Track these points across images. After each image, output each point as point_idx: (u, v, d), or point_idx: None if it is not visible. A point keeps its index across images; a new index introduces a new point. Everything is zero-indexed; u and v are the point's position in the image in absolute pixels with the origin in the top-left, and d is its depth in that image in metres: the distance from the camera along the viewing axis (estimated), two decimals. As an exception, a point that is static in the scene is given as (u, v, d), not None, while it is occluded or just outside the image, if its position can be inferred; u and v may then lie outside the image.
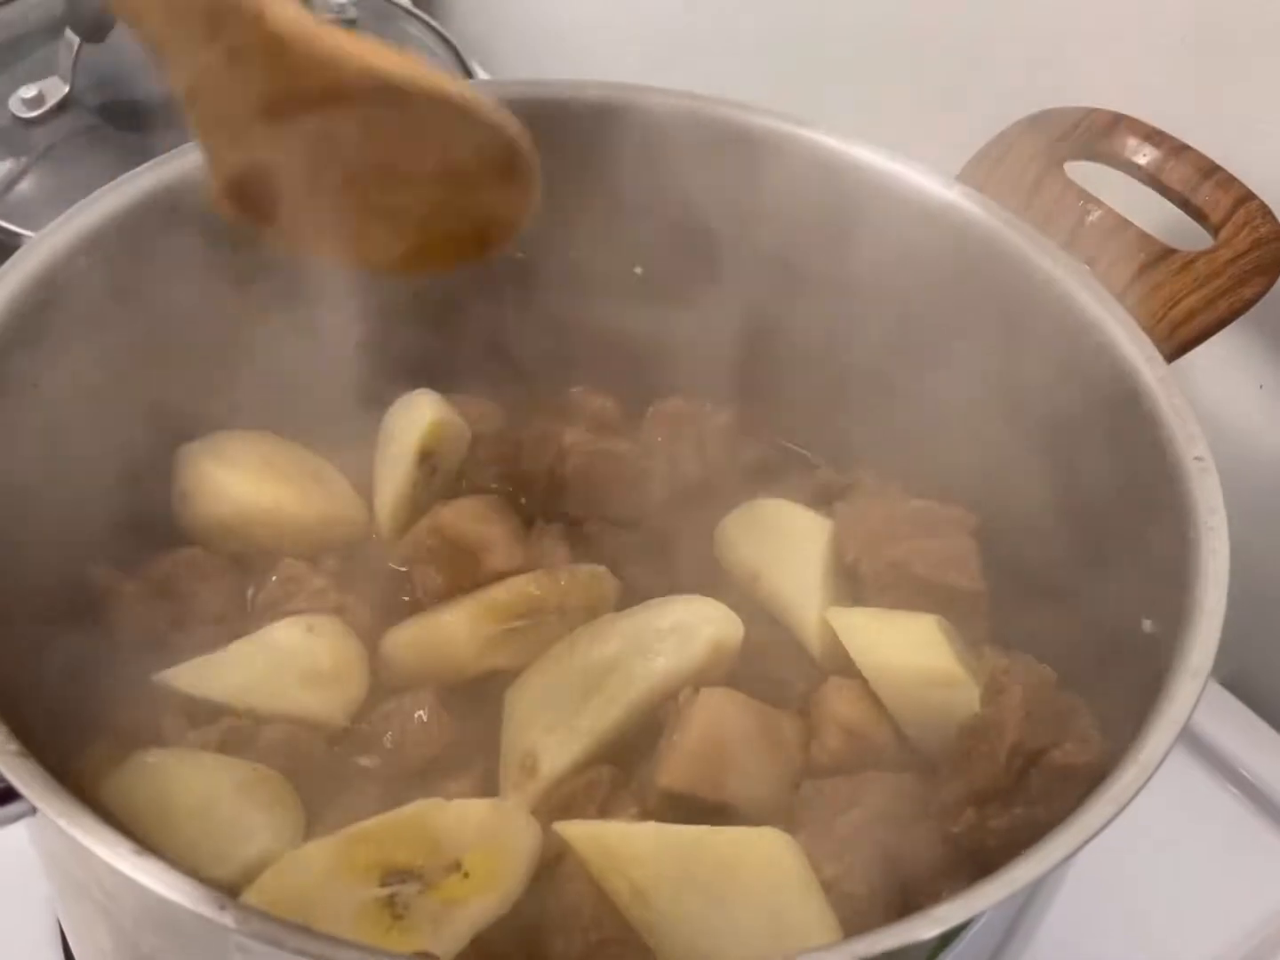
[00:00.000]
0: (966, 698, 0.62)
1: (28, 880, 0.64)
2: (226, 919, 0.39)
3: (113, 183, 0.63)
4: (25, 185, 0.89)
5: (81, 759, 0.57)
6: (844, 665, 0.66)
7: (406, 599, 0.71)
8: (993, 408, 0.68)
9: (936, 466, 0.72)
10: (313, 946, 0.38)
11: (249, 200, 0.48)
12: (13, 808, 0.46)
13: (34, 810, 0.45)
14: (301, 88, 0.43)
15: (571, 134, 0.72)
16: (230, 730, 0.60)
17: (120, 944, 0.49)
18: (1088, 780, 0.52)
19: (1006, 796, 0.57)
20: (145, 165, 0.65)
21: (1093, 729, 0.57)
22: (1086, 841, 0.46)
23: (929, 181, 0.68)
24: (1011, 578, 0.67)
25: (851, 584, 0.70)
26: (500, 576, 0.69)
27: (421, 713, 0.64)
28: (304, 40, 0.42)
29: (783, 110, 0.72)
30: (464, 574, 0.69)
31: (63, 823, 0.42)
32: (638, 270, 0.76)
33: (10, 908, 0.67)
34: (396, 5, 1.11)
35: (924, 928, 0.42)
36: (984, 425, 0.69)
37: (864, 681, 0.65)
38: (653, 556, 0.73)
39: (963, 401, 0.70)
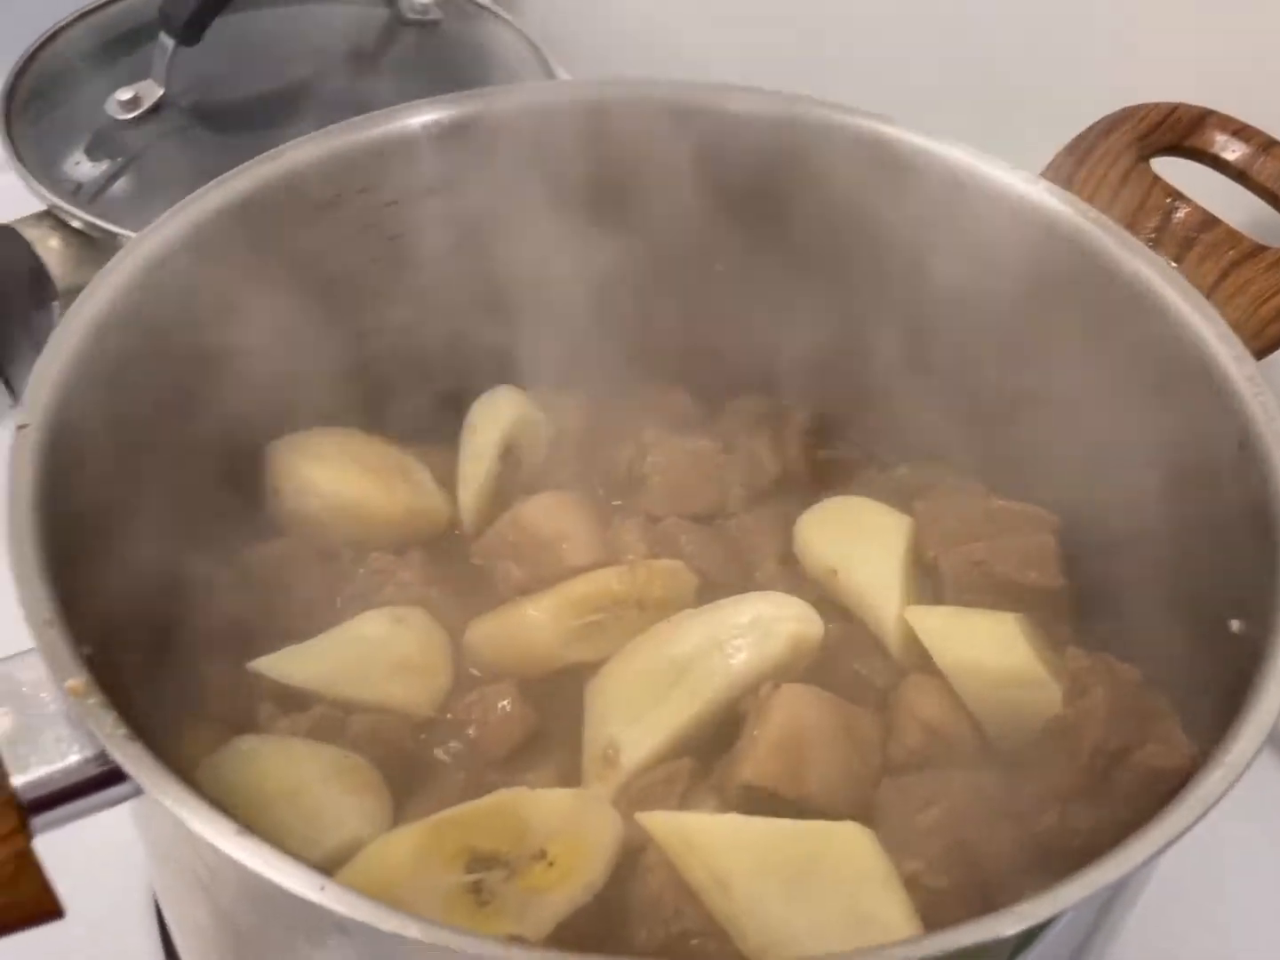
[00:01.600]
0: (1048, 697, 0.62)
1: (126, 860, 0.66)
2: (327, 899, 0.41)
3: (214, 181, 0.65)
4: (120, 185, 0.91)
5: (178, 744, 0.59)
6: (923, 663, 0.66)
7: (489, 592, 0.72)
8: (1077, 408, 0.68)
9: (1018, 466, 0.72)
10: (411, 929, 0.40)
11: None
12: (118, 790, 0.48)
13: (139, 792, 0.47)
14: None
15: (653, 133, 0.73)
16: (321, 718, 0.62)
17: (219, 922, 0.51)
18: (1172, 782, 0.51)
19: (1090, 797, 0.57)
20: (244, 165, 0.66)
21: (1178, 730, 0.57)
22: (1171, 843, 0.46)
23: (1013, 179, 0.68)
24: (1094, 577, 0.67)
25: (931, 582, 0.70)
26: (580, 571, 0.70)
27: (504, 703, 0.65)
28: None
29: (863, 107, 0.72)
30: (544, 568, 0.71)
31: (169, 803, 0.43)
32: (719, 268, 0.77)
33: (108, 887, 0.69)
34: (479, 5, 1.12)
35: (1006, 924, 0.42)
36: (1067, 425, 0.68)
37: (944, 679, 0.65)
38: (731, 553, 0.73)
39: (1046, 402, 0.70)
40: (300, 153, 0.68)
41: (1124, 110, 0.73)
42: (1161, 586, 0.63)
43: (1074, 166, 0.72)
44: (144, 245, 0.63)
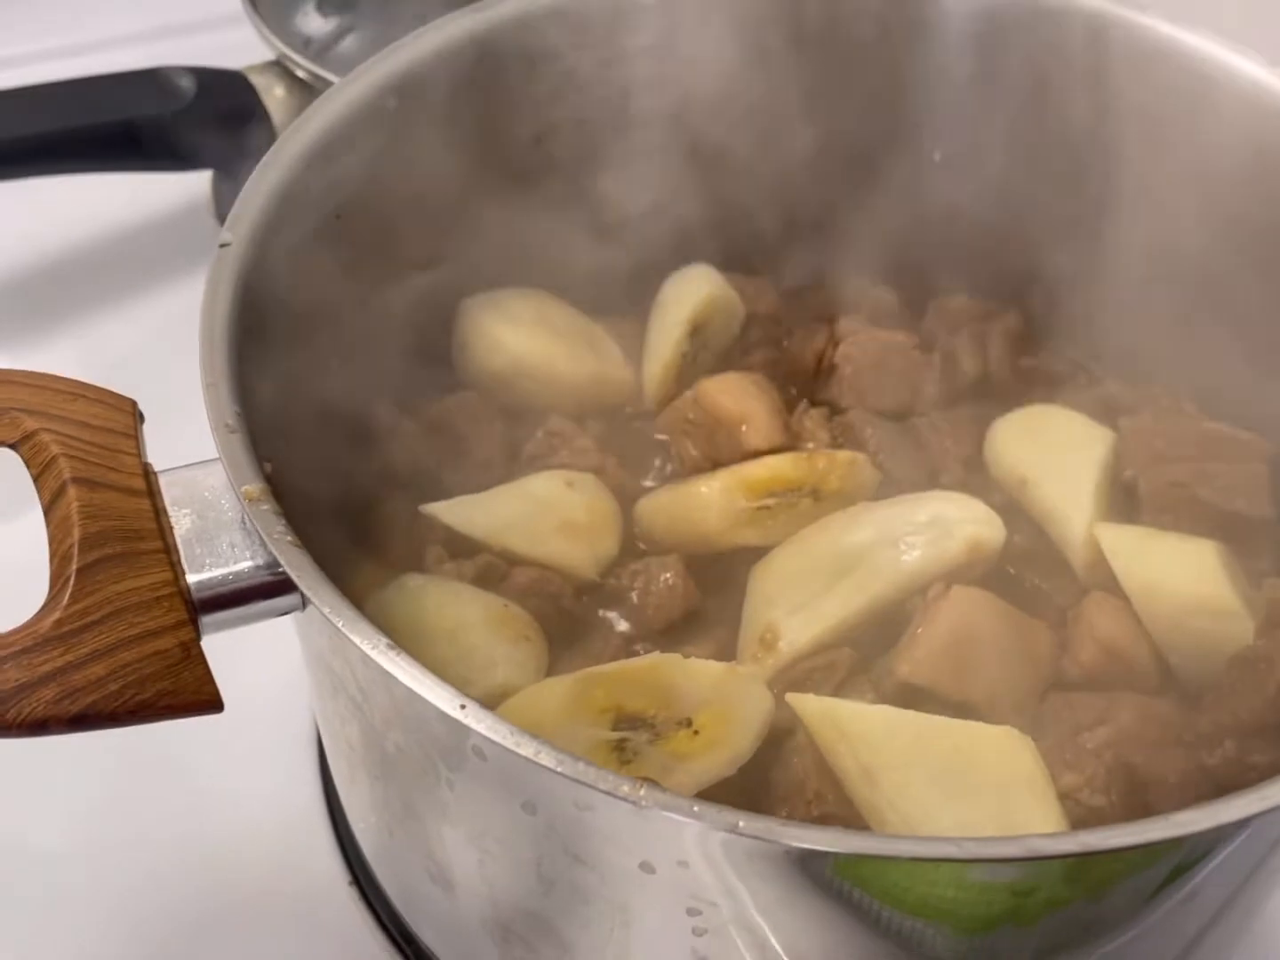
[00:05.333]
0: (1240, 629, 0.59)
1: (290, 675, 0.68)
2: (466, 718, 0.41)
3: (425, 27, 0.65)
4: (349, 41, 0.93)
5: (350, 577, 0.61)
6: (1107, 583, 0.63)
7: (664, 467, 0.71)
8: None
9: (1236, 390, 0.68)
10: (545, 756, 0.40)
11: None
12: (284, 600, 0.49)
13: (304, 604, 0.48)
14: None
15: (869, 15, 0.70)
16: (486, 566, 0.62)
17: (369, 740, 0.52)
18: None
19: (1271, 733, 0.54)
20: (456, 12, 0.66)
21: (1379, 673, 0.53)
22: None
23: (1269, 76, 0.63)
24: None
25: (1126, 501, 0.66)
26: (758, 454, 0.68)
27: (668, 576, 0.65)
28: None
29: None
30: (722, 449, 0.70)
31: (326, 610, 0.44)
32: (936, 156, 0.73)
33: (272, 702, 0.72)
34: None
35: (1160, 829, 0.39)
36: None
37: (1127, 601, 0.61)
38: (916, 452, 0.71)
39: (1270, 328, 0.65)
40: (516, 3, 0.67)
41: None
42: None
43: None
44: (356, 84, 0.63)
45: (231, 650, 0.51)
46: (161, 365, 0.82)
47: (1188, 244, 0.68)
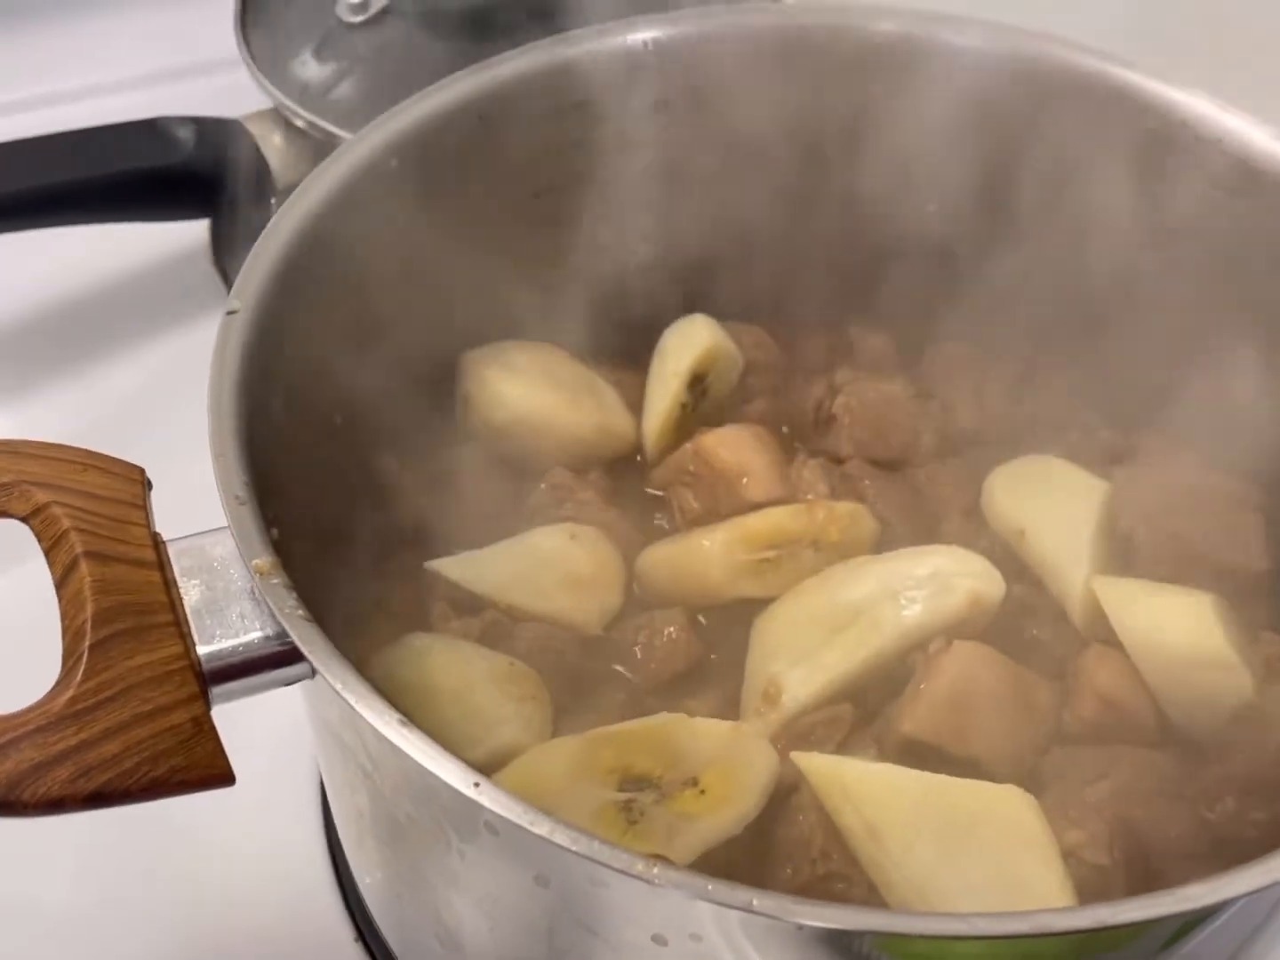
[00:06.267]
0: (1238, 683, 0.59)
1: (297, 740, 0.69)
2: (480, 796, 0.41)
3: (428, 89, 0.65)
4: (344, 87, 0.93)
5: (354, 636, 0.61)
6: (1106, 635, 0.63)
7: (664, 520, 0.72)
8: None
9: (1230, 440, 0.68)
10: (559, 835, 0.40)
11: None
12: (293, 669, 0.50)
13: (313, 674, 0.49)
14: None
15: (869, 65, 0.71)
16: (491, 623, 0.63)
17: (378, 808, 0.52)
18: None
19: (1272, 790, 0.54)
20: (459, 74, 0.67)
21: (1378, 731, 0.53)
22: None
23: (1256, 134, 0.64)
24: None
25: (1123, 552, 0.67)
26: (758, 506, 0.69)
27: (671, 629, 0.65)
28: None
29: (1095, 46, 0.68)
30: (722, 500, 0.70)
31: (339, 687, 0.44)
32: (930, 208, 0.74)
33: (279, 765, 0.72)
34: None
35: (1170, 903, 0.40)
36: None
37: (1127, 654, 0.62)
38: (915, 502, 0.71)
39: (1265, 375, 0.66)
40: (521, 63, 0.68)
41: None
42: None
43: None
44: (359, 147, 0.64)
45: (233, 703, 0.51)
46: (162, 413, 0.83)
47: (1174, 296, 0.69)
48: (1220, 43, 0.87)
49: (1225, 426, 0.68)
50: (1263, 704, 0.56)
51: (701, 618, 0.67)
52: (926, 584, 0.63)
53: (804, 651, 0.62)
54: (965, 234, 0.75)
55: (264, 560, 0.48)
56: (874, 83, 0.71)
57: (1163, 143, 0.66)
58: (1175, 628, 0.62)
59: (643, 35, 0.69)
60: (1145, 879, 0.55)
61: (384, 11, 0.95)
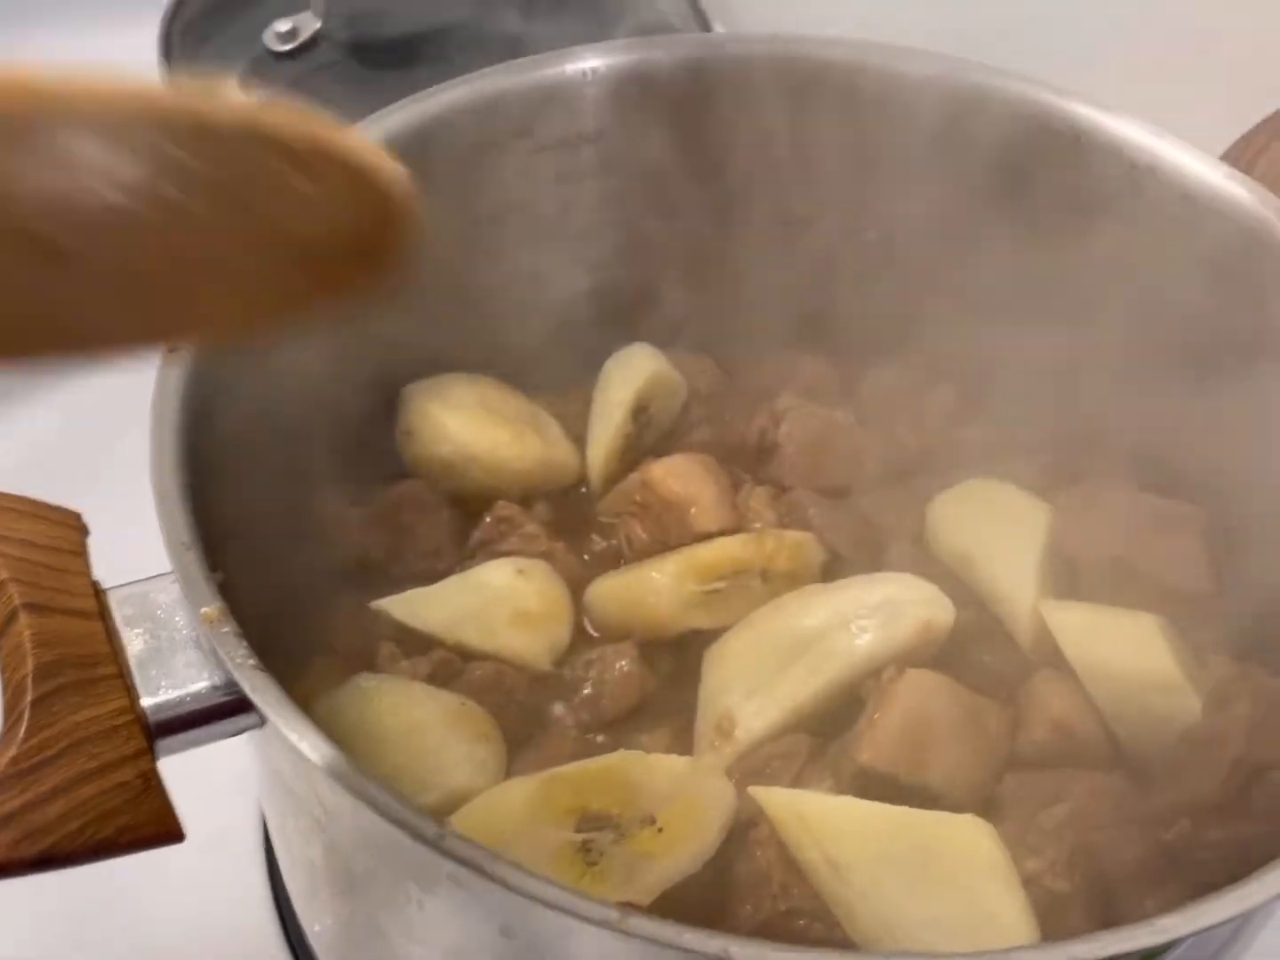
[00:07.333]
0: (1186, 705, 0.60)
1: (237, 790, 0.67)
2: (445, 844, 0.40)
3: (364, 120, 0.64)
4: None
5: (300, 678, 0.60)
6: (1055, 658, 0.64)
7: (612, 551, 0.71)
8: (1238, 409, 0.64)
9: (1172, 462, 0.69)
10: (529, 885, 0.39)
11: None
12: (243, 719, 0.48)
13: (263, 723, 0.47)
14: None
15: (817, 95, 0.71)
16: (440, 662, 0.62)
17: (332, 860, 0.51)
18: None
19: (1225, 810, 0.55)
20: (395, 105, 0.66)
21: (1327, 749, 0.54)
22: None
23: (1194, 163, 0.65)
24: (1245, 583, 0.64)
25: (1069, 576, 0.67)
26: (706, 536, 0.69)
27: (623, 664, 0.64)
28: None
29: (1038, 77, 0.69)
30: (670, 531, 0.70)
31: (293, 738, 0.43)
32: (869, 235, 0.75)
33: (219, 811, 0.70)
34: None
35: (1147, 935, 0.40)
36: (1227, 425, 0.65)
37: (1076, 676, 0.63)
38: (861, 529, 0.71)
39: (1206, 399, 0.67)
40: (455, 93, 0.67)
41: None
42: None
43: (1256, 154, 0.69)
44: (297, 178, 0.62)
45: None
46: (89, 453, 0.81)
47: (1111, 322, 0.70)
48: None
49: (1164, 451, 0.69)
50: (1212, 725, 0.57)
51: (652, 650, 0.67)
52: (877, 612, 0.63)
53: (757, 683, 0.62)
54: (901, 261, 0.75)
55: (212, 608, 0.47)
56: (812, 111, 0.72)
57: (1095, 168, 0.67)
58: (1122, 651, 0.62)
59: (582, 65, 0.69)
60: (1104, 902, 0.55)
61: (313, 40, 0.93)
